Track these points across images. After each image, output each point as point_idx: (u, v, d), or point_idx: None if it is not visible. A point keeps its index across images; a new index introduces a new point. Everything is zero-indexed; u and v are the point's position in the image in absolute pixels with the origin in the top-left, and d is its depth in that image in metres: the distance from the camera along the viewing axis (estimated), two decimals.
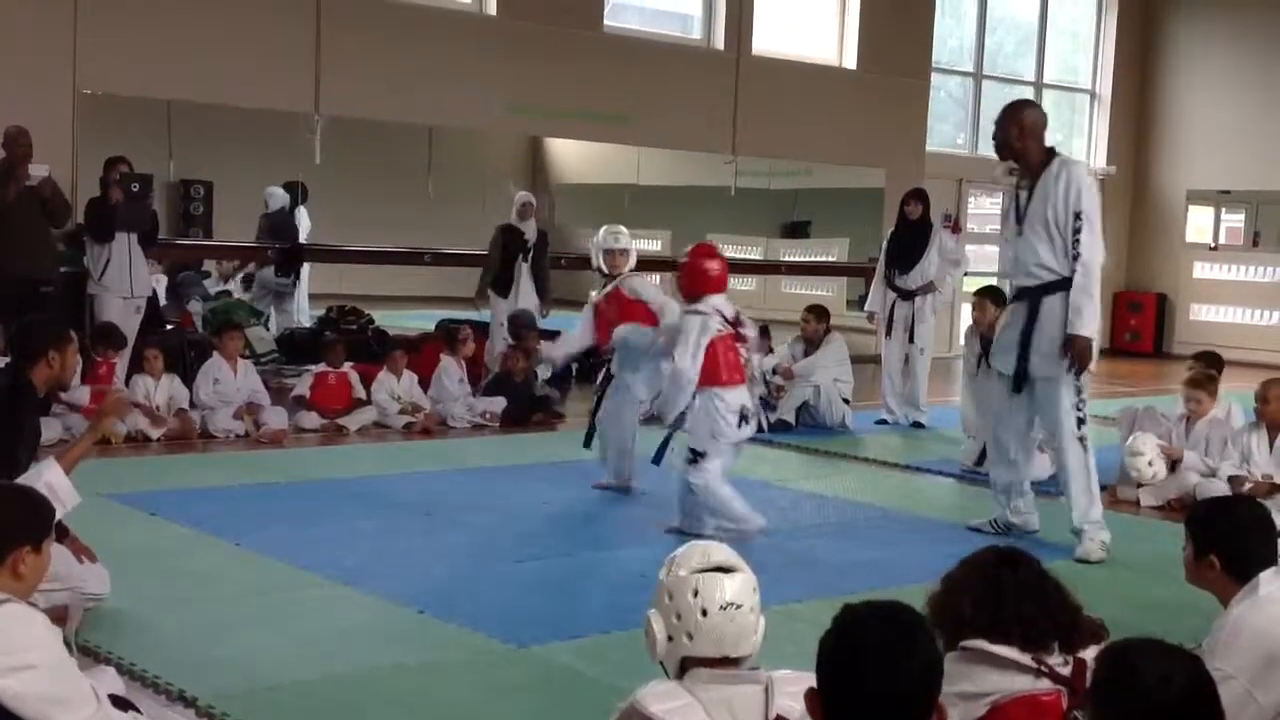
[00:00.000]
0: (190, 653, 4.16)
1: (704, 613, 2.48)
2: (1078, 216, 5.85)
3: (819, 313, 9.72)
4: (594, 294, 7.04)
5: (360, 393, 8.89)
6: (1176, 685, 2.12)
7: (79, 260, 9.39)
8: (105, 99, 10.05)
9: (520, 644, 4.40)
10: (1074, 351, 5.82)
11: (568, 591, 4.82)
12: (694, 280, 6.07)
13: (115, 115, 10.21)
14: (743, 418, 5.94)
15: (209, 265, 12.05)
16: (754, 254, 15.16)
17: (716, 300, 6.01)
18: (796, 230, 15.58)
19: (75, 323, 8.53)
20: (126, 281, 8.79)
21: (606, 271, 6.92)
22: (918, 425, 9.70)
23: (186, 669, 3.95)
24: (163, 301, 10.34)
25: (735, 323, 6.02)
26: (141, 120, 10.57)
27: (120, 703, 3.09)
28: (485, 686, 4.06)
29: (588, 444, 6.92)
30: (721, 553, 2.58)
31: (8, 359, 4.86)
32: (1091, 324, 5.83)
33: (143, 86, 10.14)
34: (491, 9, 11.99)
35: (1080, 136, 17.26)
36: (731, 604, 2.50)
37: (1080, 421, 5.97)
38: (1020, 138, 5.97)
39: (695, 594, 2.50)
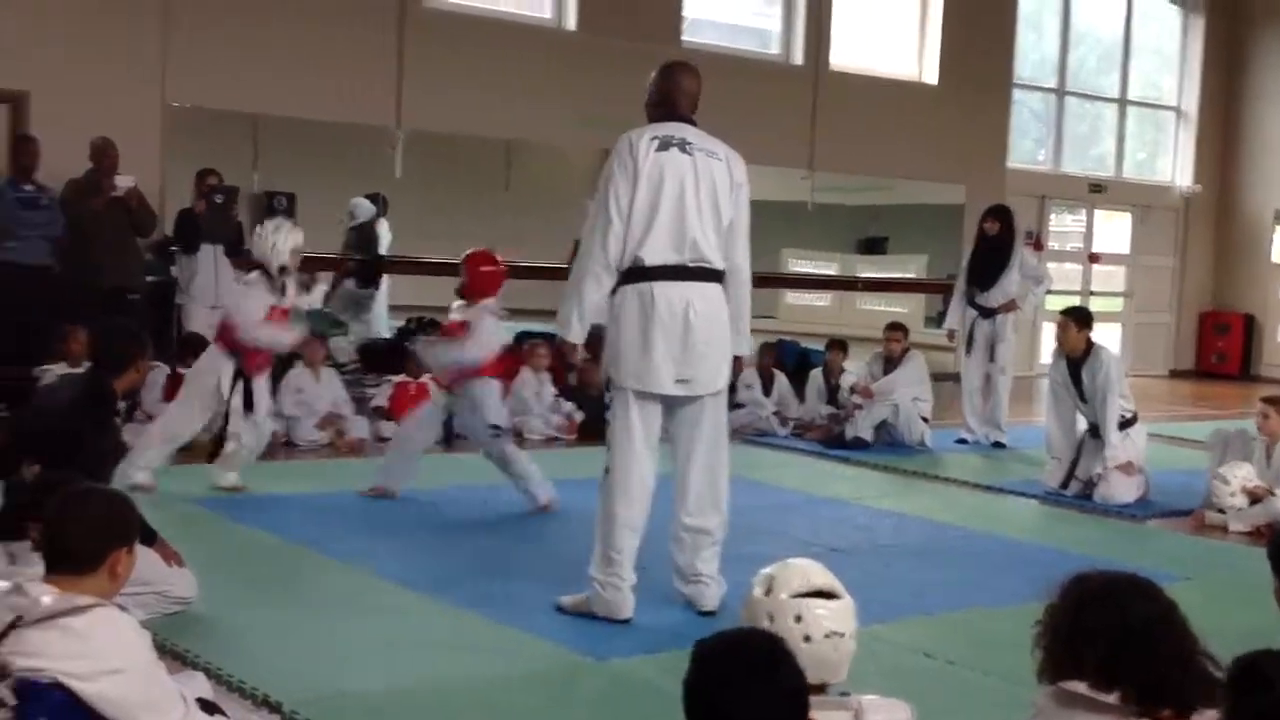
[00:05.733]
0: (273, 658, 4.20)
1: (807, 639, 2.44)
2: None
3: (902, 330, 9.63)
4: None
5: None
6: None
7: (165, 269, 9.56)
8: (193, 111, 10.23)
9: (599, 657, 4.39)
10: None
11: (647, 604, 4.80)
12: (478, 282, 6.66)
13: (202, 128, 10.38)
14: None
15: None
16: (830, 270, 15.08)
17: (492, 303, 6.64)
18: (874, 246, 15.47)
19: (160, 331, 8.69)
20: (212, 291, 8.91)
21: None
22: (998, 445, 9.57)
23: (270, 674, 3.98)
24: None
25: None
26: (227, 133, 10.73)
27: (208, 706, 3.11)
28: (564, 698, 4.06)
29: None
30: (821, 575, 2.54)
31: (89, 365, 4.97)
32: None
33: (229, 100, 10.31)
34: (571, 24, 12.06)
35: (1165, 155, 17.00)
36: (836, 632, 2.46)
37: None
38: None
39: (798, 619, 2.46)
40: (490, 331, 6.65)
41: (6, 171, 8.77)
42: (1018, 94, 15.32)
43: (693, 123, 4.85)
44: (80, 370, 6.18)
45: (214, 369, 6.57)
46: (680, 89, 4.86)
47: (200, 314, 8.90)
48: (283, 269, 6.76)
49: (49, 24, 9.54)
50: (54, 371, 6.97)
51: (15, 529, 4.09)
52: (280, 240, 6.76)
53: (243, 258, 9.60)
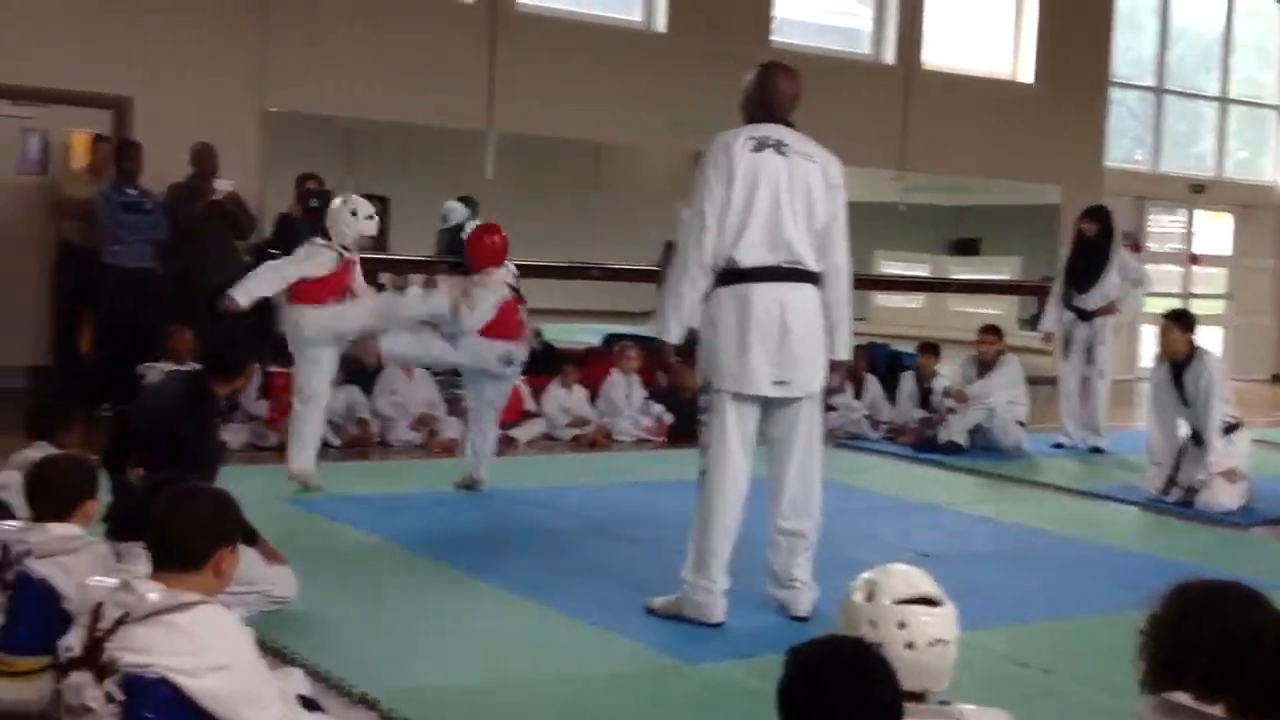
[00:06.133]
0: (369, 655, 4.25)
1: (910, 646, 2.41)
2: None
3: (997, 333, 9.50)
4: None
5: (530, 405, 9.01)
6: None
7: None
8: (290, 116, 10.41)
9: (690, 660, 4.38)
10: None
11: (739, 608, 4.78)
12: (479, 254, 6.92)
13: (299, 132, 10.56)
14: (508, 361, 6.90)
15: (384, 278, 12.35)
16: (921, 271, 14.92)
17: (500, 272, 6.88)
18: (966, 247, 15.29)
19: (257, 332, 8.85)
20: None
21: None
22: (1096, 450, 9.40)
23: (366, 670, 4.03)
24: None
25: (516, 288, 6.95)
26: (323, 137, 10.91)
27: (307, 703, 3.16)
28: (655, 701, 4.06)
29: None
30: (924, 581, 2.51)
31: (195, 366, 5.08)
32: None
33: (326, 105, 10.48)
34: (661, 26, 12.07)
35: (1267, 153, 16.58)
36: (939, 640, 2.42)
37: None
38: None
39: (902, 625, 2.42)
40: (486, 301, 6.77)
41: (111, 176, 8.99)
42: (1115, 92, 15.04)
43: (791, 125, 4.82)
44: (184, 369, 6.33)
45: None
46: (777, 90, 4.84)
47: None
48: (345, 248, 6.80)
49: (151, 32, 9.77)
50: (158, 369, 7.12)
51: (122, 528, 4.18)
52: (361, 211, 6.85)
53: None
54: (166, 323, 8.05)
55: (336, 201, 7.00)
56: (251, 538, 4.30)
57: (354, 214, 6.79)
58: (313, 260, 6.66)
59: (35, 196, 9.54)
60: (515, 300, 6.92)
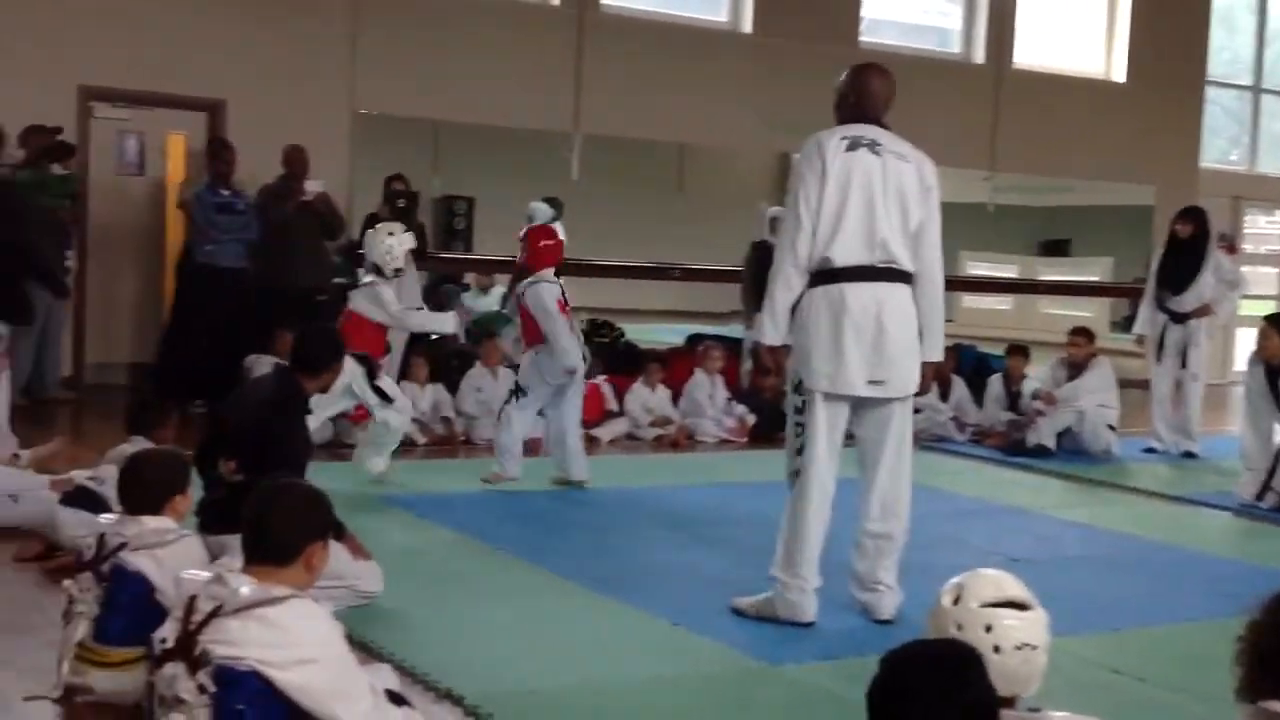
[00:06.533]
0: (455, 652, 4.28)
1: (996, 650, 2.38)
2: None
3: (1088, 335, 9.35)
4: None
5: (612, 404, 9.03)
6: None
7: (352, 272, 9.85)
8: (379, 119, 10.54)
9: (774, 662, 4.37)
10: None
11: (821, 611, 4.75)
12: (538, 257, 7.02)
13: (386, 134, 10.69)
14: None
15: (469, 278, 12.46)
16: (1010, 272, 14.72)
17: (548, 273, 6.99)
18: (1056, 248, 15.05)
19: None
20: (396, 293, 9.11)
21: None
22: (1189, 455, 9.22)
23: (453, 668, 4.07)
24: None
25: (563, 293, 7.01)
26: (410, 139, 11.03)
27: (395, 698, 3.19)
28: (739, 704, 4.04)
29: None
30: (1014, 586, 2.47)
31: (281, 363, 5.16)
32: None
33: (414, 107, 10.60)
34: (747, 26, 12.04)
35: None
36: (1027, 644, 2.39)
37: None
38: None
39: (988, 629, 2.40)
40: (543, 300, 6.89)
41: (204, 177, 9.17)
42: (1210, 91, 14.73)
43: (885, 125, 4.79)
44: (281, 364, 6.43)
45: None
46: (871, 91, 4.80)
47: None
48: (398, 271, 7.11)
49: (245, 37, 9.95)
50: (265, 361, 7.30)
51: (213, 522, 4.26)
52: (396, 244, 7.09)
53: (425, 262, 9.85)
54: (254, 322, 8.18)
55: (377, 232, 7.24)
56: (339, 532, 4.36)
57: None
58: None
59: (136, 195, 9.75)
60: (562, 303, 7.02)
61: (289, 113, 9.79)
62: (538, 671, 4.16)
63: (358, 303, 7.07)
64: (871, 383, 4.63)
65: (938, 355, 4.89)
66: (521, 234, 7.25)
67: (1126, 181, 13.81)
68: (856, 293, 4.60)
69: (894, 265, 4.67)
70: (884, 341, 4.61)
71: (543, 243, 7.13)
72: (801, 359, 4.67)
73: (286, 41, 10.16)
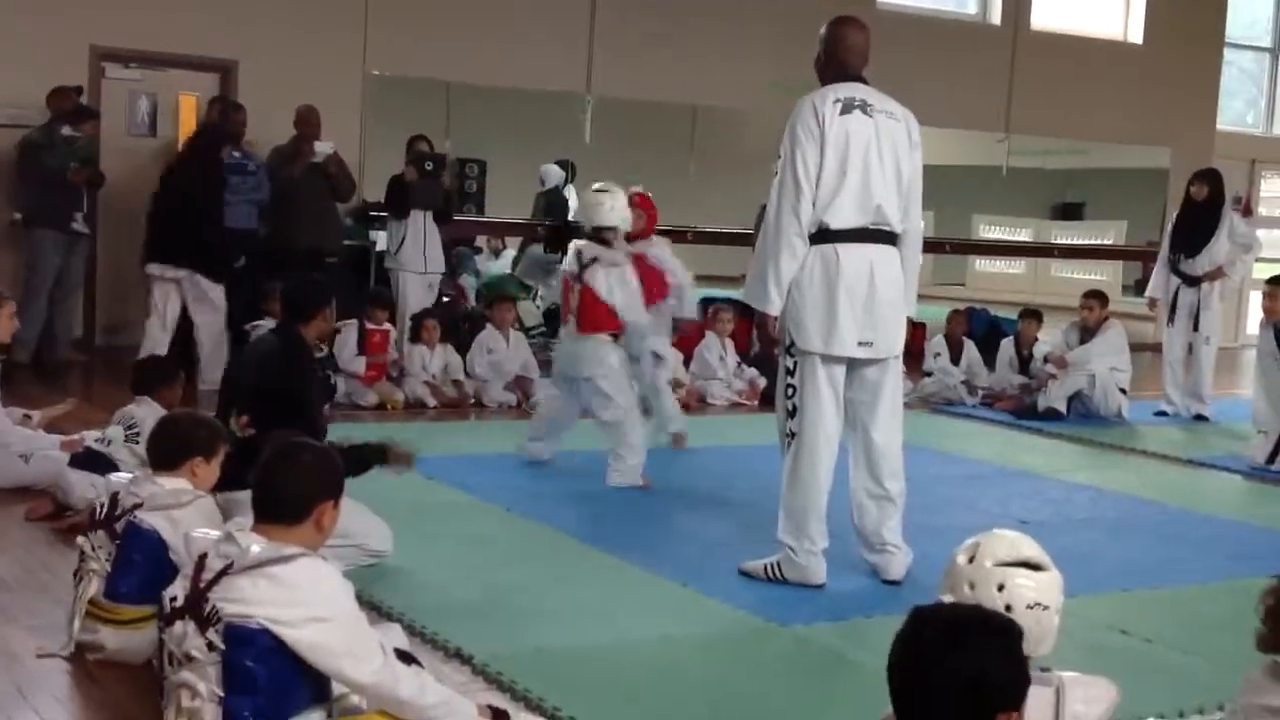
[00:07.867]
0: (464, 612, 4.30)
1: (1008, 609, 2.39)
2: None
3: (1101, 299, 9.31)
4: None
5: None
6: None
7: (365, 234, 9.84)
8: (390, 80, 10.50)
9: (783, 622, 4.38)
10: None
11: (831, 572, 4.77)
12: (651, 223, 7.06)
13: (399, 96, 10.65)
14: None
15: (480, 241, 12.44)
16: (1024, 235, 14.66)
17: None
18: (1070, 212, 14.98)
19: (358, 293, 8.96)
20: (420, 258, 9.11)
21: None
22: (1200, 418, 9.21)
23: (462, 627, 4.09)
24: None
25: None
26: (422, 100, 10.99)
27: (404, 656, 3.21)
28: (749, 662, 4.06)
29: None
30: (1029, 546, 2.48)
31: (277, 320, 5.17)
32: None
33: (427, 69, 10.55)
34: None
35: None
36: (1039, 604, 2.40)
37: None
38: None
39: (1001, 588, 2.41)
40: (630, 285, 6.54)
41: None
42: (1228, 53, 14.60)
43: (865, 81, 4.77)
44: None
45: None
46: (848, 46, 4.79)
47: (412, 281, 9.10)
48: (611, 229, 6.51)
49: None
50: (264, 326, 7.28)
51: (225, 480, 4.28)
52: (618, 203, 6.56)
53: (450, 224, 9.73)
54: (263, 282, 8.18)
55: None
56: (384, 456, 4.52)
57: None
58: None
59: (148, 156, 9.73)
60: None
61: (301, 74, 9.75)
62: (545, 631, 4.18)
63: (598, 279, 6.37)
64: (862, 344, 4.65)
65: (913, 313, 4.92)
66: (628, 200, 6.70)
67: (1142, 144, 13.72)
68: (851, 254, 4.61)
69: (885, 227, 4.69)
70: (874, 303, 4.63)
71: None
72: (795, 321, 4.67)
73: (298, 2, 10.11)
